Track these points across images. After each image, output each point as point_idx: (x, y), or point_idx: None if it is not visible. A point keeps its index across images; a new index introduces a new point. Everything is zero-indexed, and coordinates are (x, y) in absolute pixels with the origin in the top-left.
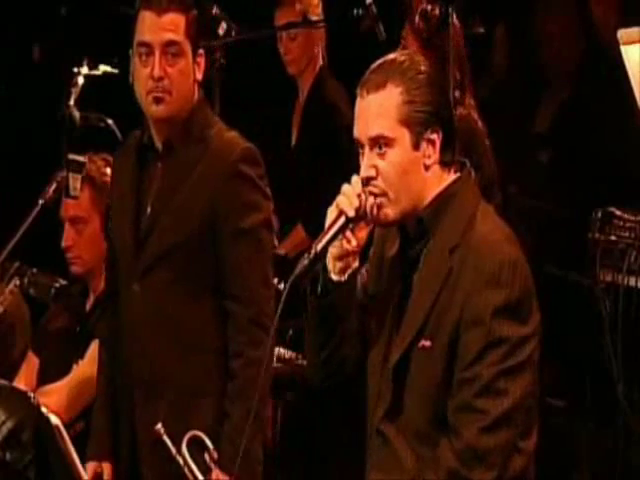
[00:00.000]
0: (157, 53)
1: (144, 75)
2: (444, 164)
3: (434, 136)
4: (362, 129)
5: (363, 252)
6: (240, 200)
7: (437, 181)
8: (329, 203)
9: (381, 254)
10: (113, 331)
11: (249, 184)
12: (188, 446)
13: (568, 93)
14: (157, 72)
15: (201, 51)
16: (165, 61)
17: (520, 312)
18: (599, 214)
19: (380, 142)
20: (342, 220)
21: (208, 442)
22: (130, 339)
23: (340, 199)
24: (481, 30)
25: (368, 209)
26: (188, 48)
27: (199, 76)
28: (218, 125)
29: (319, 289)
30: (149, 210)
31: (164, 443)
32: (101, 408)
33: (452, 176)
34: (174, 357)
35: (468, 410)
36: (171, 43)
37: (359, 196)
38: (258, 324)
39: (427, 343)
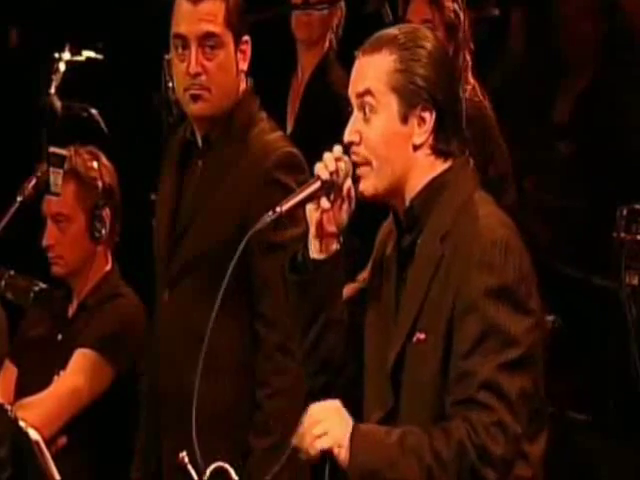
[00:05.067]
0: (193, 46)
1: (181, 71)
2: (439, 152)
3: (426, 115)
4: (353, 87)
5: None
6: None
7: (428, 166)
8: None
9: (381, 258)
10: (149, 340)
11: (285, 193)
12: (212, 477)
13: (589, 81)
14: (193, 68)
15: (246, 38)
16: (202, 55)
17: (515, 297)
18: (624, 212)
19: (366, 104)
20: (316, 184)
21: (234, 475)
22: (160, 350)
23: (317, 165)
24: (496, 12)
25: (342, 176)
26: (229, 38)
27: (243, 66)
28: (262, 124)
29: (299, 266)
30: (185, 212)
31: (188, 472)
32: (142, 423)
33: (446, 164)
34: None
35: (469, 404)
36: (209, 35)
37: (337, 160)
38: (284, 350)
39: (422, 336)
